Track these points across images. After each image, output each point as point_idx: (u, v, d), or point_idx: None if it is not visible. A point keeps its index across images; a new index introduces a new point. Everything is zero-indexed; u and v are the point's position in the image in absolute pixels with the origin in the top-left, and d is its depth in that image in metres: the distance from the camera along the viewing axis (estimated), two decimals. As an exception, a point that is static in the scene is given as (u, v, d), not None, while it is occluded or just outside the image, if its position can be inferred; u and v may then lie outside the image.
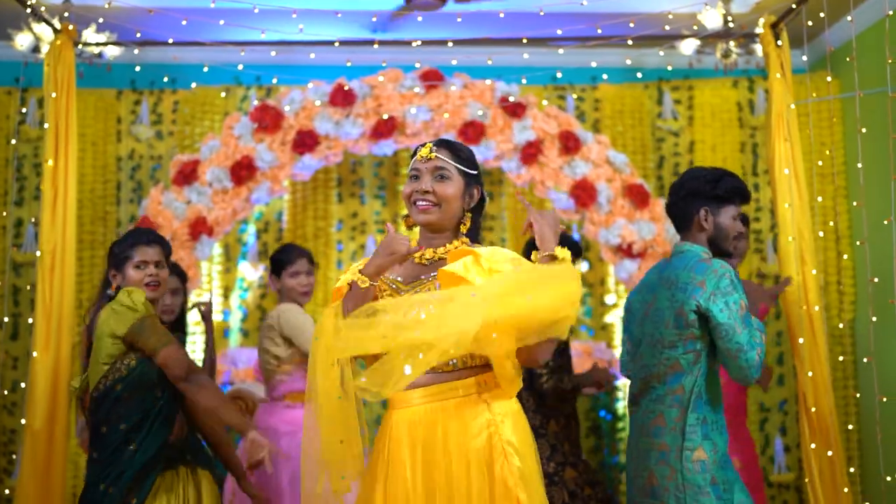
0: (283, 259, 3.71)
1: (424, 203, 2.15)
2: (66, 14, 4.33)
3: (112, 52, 4.58)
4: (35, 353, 3.78)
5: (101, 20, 4.39)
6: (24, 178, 5.12)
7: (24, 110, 5.04)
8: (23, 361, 5.10)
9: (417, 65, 4.61)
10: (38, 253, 3.88)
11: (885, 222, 3.37)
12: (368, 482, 2.10)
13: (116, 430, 2.58)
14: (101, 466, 2.57)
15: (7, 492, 4.74)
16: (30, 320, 3.91)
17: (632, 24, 4.20)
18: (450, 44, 4.37)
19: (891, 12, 3.40)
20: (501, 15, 4.14)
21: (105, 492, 2.54)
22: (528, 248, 4.22)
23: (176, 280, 3.40)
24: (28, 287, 5.03)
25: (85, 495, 2.63)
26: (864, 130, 3.46)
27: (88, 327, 2.80)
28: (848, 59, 3.79)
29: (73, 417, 4.71)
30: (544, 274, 1.97)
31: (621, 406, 5.24)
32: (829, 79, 4.22)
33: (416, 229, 2.27)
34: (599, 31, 4.14)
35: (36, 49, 4.41)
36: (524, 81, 4.84)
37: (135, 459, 2.56)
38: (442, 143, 2.22)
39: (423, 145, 2.22)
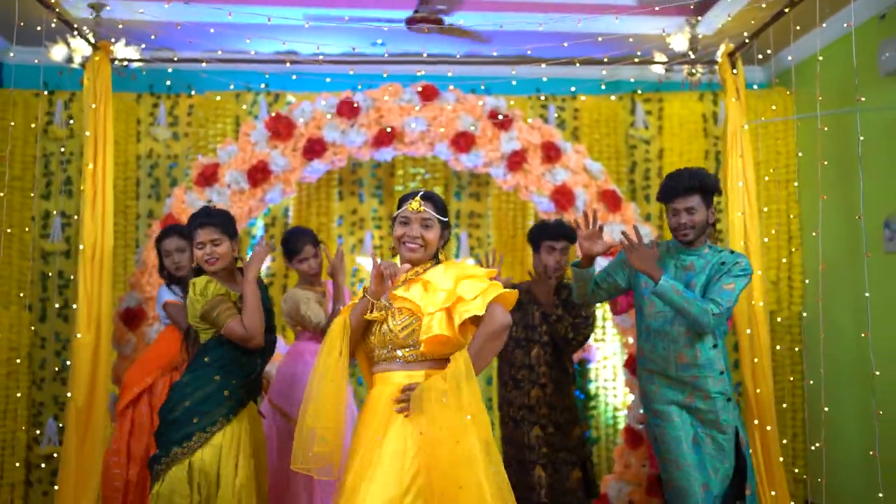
0: (291, 248, 4.12)
1: (414, 245, 2.75)
2: (98, 28, 4.78)
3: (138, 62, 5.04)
4: (79, 335, 4.21)
5: (130, 34, 4.82)
6: (51, 173, 5.56)
7: (55, 113, 5.47)
8: (50, 342, 5.55)
9: (420, 72, 5.10)
10: (81, 246, 4.31)
11: (814, 234, 3.91)
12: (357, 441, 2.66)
13: (202, 362, 3.20)
14: (186, 387, 3.17)
15: (36, 461, 5.21)
16: (56, 305, 4.31)
17: (605, 60, 4.69)
18: (449, 72, 4.87)
19: (821, 58, 3.93)
20: (494, 53, 4.62)
21: (189, 408, 3.10)
22: (533, 234, 4.48)
23: (183, 241, 4.11)
24: (52, 274, 5.47)
25: (166, 411, 3.16)
26: (800, 154, 3.98)
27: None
28: (788, 92, 4.28)
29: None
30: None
31: (593, 387, 5.80)
32: (774, 107, 4.73)
33: (398, 256, 2.88)
34: (577, 65, 4.66)
35: (69, 59, 4.86)
36: (512, 103, 5.34)
37: (221, 390, 3.16)
38: (427, 198, 2.79)
39: (412, 197, 2.79)
